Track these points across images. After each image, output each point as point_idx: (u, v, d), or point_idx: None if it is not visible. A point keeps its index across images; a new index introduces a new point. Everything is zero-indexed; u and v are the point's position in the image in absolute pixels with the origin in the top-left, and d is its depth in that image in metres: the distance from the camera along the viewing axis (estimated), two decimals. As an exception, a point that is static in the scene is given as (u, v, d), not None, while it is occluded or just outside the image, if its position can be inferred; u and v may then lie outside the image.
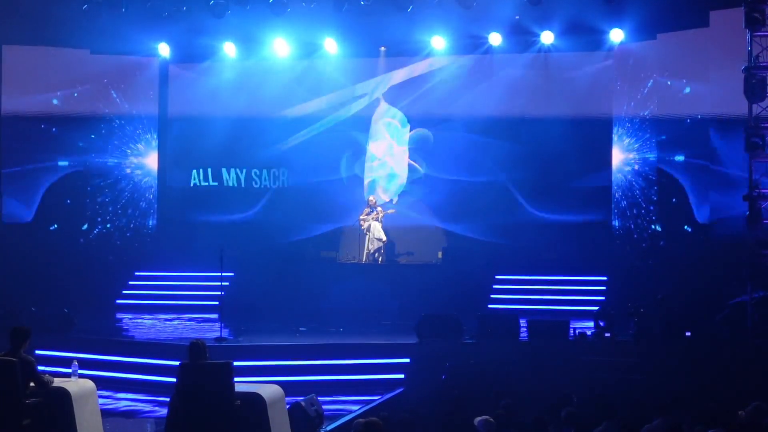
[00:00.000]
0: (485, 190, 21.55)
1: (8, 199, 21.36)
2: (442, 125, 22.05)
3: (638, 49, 20.45)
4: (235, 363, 9.91)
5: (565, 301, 19.58)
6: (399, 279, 20.32)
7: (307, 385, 13.83)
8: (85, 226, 22.04)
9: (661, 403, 9.83)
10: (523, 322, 15.64)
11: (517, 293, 19.78)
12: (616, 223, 20.86)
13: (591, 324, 15.66)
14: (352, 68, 22.47)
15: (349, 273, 20.66)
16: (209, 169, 22.79)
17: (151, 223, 22.56)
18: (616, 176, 20.89)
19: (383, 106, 22.56)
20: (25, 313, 16.35)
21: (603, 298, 19.00)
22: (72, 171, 21.95)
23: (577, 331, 15.11)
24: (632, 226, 20.59)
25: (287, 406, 10.80)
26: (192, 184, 22.83)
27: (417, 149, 22.31)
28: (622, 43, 20.63)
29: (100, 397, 10.87)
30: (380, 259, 21.14)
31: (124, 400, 13.98)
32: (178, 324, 18.60)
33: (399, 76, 22.36)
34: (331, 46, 21.88)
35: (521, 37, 21.16)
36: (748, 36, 15.69)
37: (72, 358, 10.69)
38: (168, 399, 10.21)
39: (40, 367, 9.91)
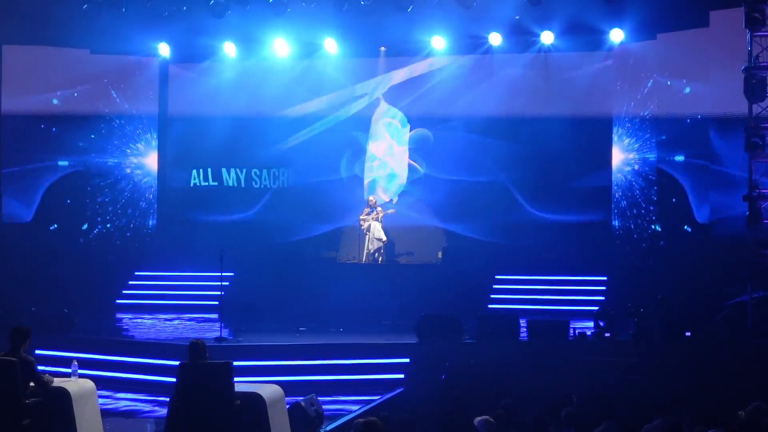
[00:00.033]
0: (485, 190, 21.54)
1: (8, 199, 21.36)
2: (442, 125, 22.05)
3: (638, 49, 20.44)
4: (235, 363, 9.92)
5: (565, 301, 19.59)
6: (399, 279, 20.32)
7: (307, 385, 13.83)
8: (85, 226, 22.03)
9: (661, 403, 9.83)
10: (523, 322, 15.65)
11: (517, 293, 19.79)
12: (616, 223, 20.86)
13: (591, 324, 15.67)
14: (352, 68, 22.46)
15: (349, 273, 20.66)
16: (209, 169, 22.79)
17: (151, 223, 22.56)
18: (616, 176, 20.88)
19: (383, 106, 22.56)
20: (25, 313, 16.35)
21: (603, 298, 19.01)
22: (72, 171, 21.94)
23: (577, 331, 15.11)
24: (632, 226, 20.58)
25: (287, 406, 10.80)
26: (192, 184, 22.82)
27: (417, 149, 22.31)
28: (622, 43, 20.63)
29: (100, 397, 10.88)
30: (380, 259, 21.14)
31: (124, 400, 13.98)
32: (178, 324, 18.61)
33: (399, 76, 22.36)
34: (331, 46, 21.87)
35: (521, 37, 21.15)
36: (748, 36, 15.69)
37: (72, 358, 10.69)
38: (168, 399, 10.21)
39: (40, 367, 9.91)
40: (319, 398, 11.72)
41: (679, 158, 19.83)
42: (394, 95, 22.44)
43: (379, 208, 21.30)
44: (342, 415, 12.29)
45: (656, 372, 13.62)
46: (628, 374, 13.59)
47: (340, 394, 13.88)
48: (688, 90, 19.62)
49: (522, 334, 15.37)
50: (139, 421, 13.18)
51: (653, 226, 20.25)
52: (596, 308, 16.47)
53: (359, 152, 22.55)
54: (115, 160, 22.30)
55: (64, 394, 9.74)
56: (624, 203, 20.76)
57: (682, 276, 17.98)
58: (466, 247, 21.05)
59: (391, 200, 22.25)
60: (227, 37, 21.88)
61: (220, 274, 16.75)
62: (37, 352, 12.89)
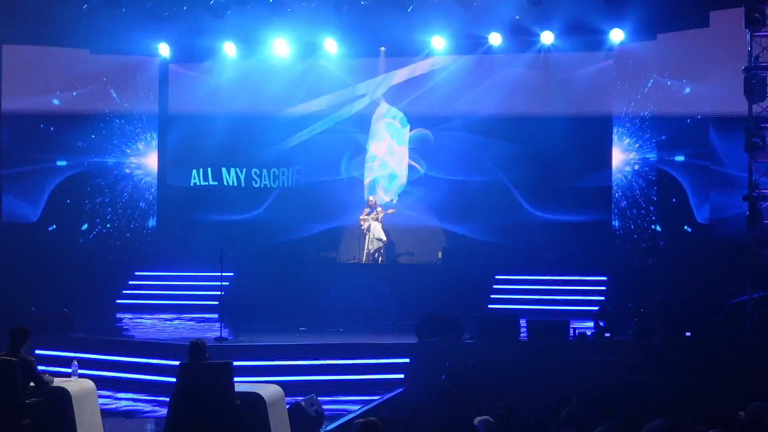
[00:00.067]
0: (485, 190, 21.55)
1: (8, 199, 21.36)
2: (442, 125, 22.05)
3: (638, 49, 20.44)
4: (235, 363, 9.90)
5: (565, 301, 19.56)
6: (399, 279, 20.32)
7: (307, 385, 13.84)
8: (85, 226, 22.03)
9: (661, 403, 9.82)
10: (523, 322, 15.65)
11: (517, 293, 19.77)
12: (616, 223, 20.86)
13: (591, 324, 15.65)
14: (352, 68, 22.45)
15: (349, 273, 20.66)
16: (209, 169, 22.78)
17: (151, 223, 22.54)
18: (616, 176, 20.87)
19: (383, 106, 22.56)
20: (25, 313, 16.36)
21: (603, 298, 19.00)
22: (72, 171, 21.94)
23: (577, 331, 15.12)
24: (632, 226, 20.58)
25: (287, 406, 10.80)
26: (192, 184, 22.82)
27: (417, 149, 22.31)
28: (622, 43, 20.63)
29: (100, 397, 10.87)
30: (380, 259, 21.14)
31: (124, 400, 13.98)
32: (178, 324, 18.61)
33: (399, 76, 22.36)
34: (331, 46, 21.86)
35: (521, 37, 21.15)
36: (748, 36, 15.70)
37: (72, 358, 10.70)
38: (168, 399, 10.21)
39: (40, 367, 9.90)
40: (319, 398, 11.72)
41: (679, 158, 19.83)
42: (394, 95, 22.44)
43: (379, 208, 21.30)
44: (342, 415, 12.29)
45: (656, 372, 13.63)
46: (628, 374, 13.60)
47: (340, 394, 13.87)
48: (688, 90, 19.62)
49: (522, 334, 15.37)
50: (139, 421, 13.18)
51: (653, 226, 20.25)
52: (596, 308, 16.45)
53: (359, 152, 22.54)
54: (115, 160, 22.30)
55: (64, 394, 9.74)
56: (624, 203, 20.76)
57: (682, 276, 17.97)
58: (466, 247, 21.04)
59: (391, 200, 22.24)
60: (227, 37, 21.86)
61: (220, 274, 16.73)
62: (37, 352, 12.90)
